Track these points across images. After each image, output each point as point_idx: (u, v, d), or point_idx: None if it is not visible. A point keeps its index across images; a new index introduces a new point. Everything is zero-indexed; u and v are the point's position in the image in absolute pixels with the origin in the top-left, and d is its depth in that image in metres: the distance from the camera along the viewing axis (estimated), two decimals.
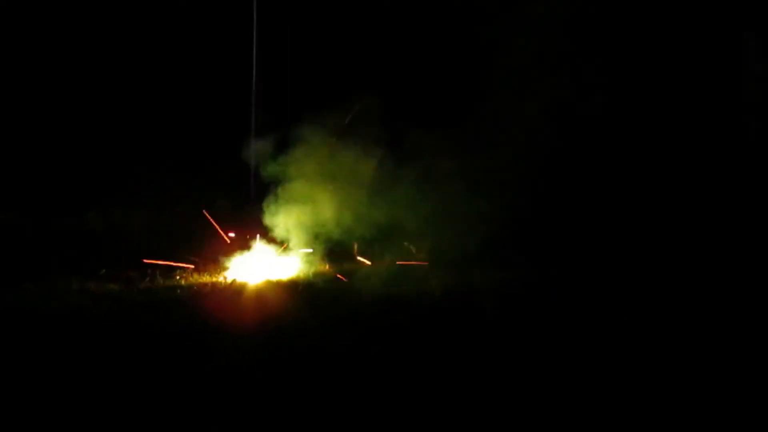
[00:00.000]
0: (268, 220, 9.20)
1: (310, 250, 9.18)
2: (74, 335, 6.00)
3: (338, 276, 8.72)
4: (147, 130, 9.73)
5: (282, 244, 9.20)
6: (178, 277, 8.47)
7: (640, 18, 10.46)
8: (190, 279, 8.46)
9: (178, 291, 7.92)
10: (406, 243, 9.79)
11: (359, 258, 9.62)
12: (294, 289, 8.12)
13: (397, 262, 9.37)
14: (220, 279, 8.56)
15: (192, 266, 8.79)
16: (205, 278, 8.56)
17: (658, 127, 10.38)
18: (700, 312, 6.78)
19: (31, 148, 9.71)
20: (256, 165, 9.29)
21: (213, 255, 9.00)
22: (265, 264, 9.01)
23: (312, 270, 9.04)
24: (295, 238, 9.25)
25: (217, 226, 9.04)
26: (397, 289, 7.93)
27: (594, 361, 5.44)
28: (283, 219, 9.19)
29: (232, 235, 9.07)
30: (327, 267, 9.27)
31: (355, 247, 9.82)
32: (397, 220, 9.50)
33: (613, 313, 6.79)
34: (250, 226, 9.24)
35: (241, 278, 8.54)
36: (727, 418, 4.45)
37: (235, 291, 8.05)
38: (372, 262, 9.55)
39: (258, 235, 9.20)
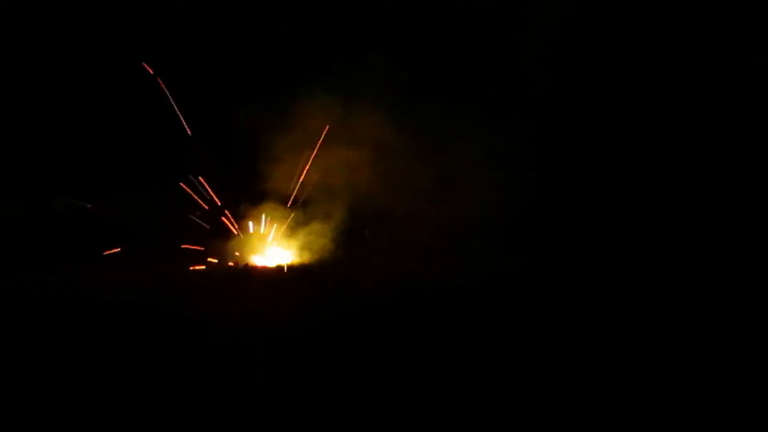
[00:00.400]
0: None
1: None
2: (85, 320, 6.10)
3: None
4: (151, 115, 9.76)
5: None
6: (188, 264, 8.60)
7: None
8: (201, 264, 8.58)
9: (188, 276, 8.06)
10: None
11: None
12: (302, 274, 8.19)
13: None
14: (230, 264, 8.64)
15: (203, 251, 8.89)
16: (216, 263, 8.67)
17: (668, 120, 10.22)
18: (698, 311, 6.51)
19: (39, 139, 9.78)
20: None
21: (223, 240, 9.09)
22: (274, 250, 9.08)
23: (319, 256, 9.12)
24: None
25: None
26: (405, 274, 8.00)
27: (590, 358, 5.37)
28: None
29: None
30: (336, 253, 9.32)
31: (367, 234, 9.85)
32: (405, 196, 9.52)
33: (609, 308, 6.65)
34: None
35: (251, 263, 8.62)
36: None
37: (248, 275, 8.14)
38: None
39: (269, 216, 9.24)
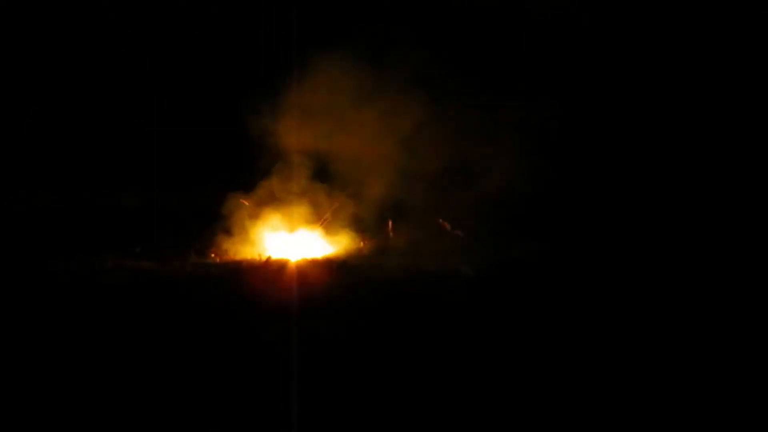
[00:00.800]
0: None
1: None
2: (109, 313, 6.04)
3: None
4: (177, 106, 9.74)
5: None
6: (213, 255, 8.50)
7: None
8: (225, 257, 8.47)
9: (213, 269, 7.92)
10: (440, 219, 9.65)
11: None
12: (328, 267, 8.05)
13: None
14: (255, 256, 8.53)
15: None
16: (240, 256, 8.56)
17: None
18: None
19: (64, 126, 9.81)
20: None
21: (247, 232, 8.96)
22: (300, 241, 8.98)
23: (346, 247, 8.98)
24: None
25: None
26: (430, 266, 7.83)
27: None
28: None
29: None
30: (362, 244, 9.18)
31: (390, 224, 9.72)
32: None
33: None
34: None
35: (275, 256, 8.51)
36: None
37: (270, 269, 8.01)
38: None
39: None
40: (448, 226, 9.62)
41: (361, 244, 9.18)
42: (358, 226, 9.32)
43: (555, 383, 4.68)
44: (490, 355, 5.14)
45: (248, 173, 9.18)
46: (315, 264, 8.23)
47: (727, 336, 5.44)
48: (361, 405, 4.39)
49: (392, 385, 4.63)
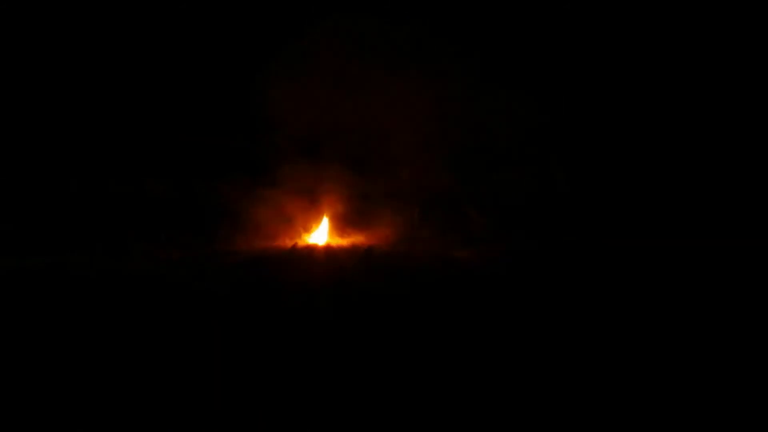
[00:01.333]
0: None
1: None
2: (137, 301, 6.07)
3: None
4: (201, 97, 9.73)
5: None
6: (239, 243, 8.53)
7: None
8: (252, 244, 8.50)
9: (239, 256, 7.95)
10: (467, 207, 9.56)
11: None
12: (354, 254, 8.03)
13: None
14: (281, 244, 8.55)
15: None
16: (267, 243, 8.58)
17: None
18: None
19: (93, 113, 9.85)
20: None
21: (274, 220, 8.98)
22: (327, 229, 8.97)
23: (373, 234, 8.95)
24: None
25: None
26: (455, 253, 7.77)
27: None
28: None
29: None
30: (388, 231, 9.13)
31: (416, 213, 9.65)
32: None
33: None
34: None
35: (303, 243, 8.51)
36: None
37: (296, 256, 8.01)
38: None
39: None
40: (474, 214, 9.53)
41: (388, 231, 9.13)
42: (385, 212, 9.28)
43: (565, 377, 4.59)
44: (516, 343, 5.06)
45: (271, 161, 9.18)
46: (341, 251, 8.20)
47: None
48: (385, 393, 4.35)
49: (416, 373, 4.58)
